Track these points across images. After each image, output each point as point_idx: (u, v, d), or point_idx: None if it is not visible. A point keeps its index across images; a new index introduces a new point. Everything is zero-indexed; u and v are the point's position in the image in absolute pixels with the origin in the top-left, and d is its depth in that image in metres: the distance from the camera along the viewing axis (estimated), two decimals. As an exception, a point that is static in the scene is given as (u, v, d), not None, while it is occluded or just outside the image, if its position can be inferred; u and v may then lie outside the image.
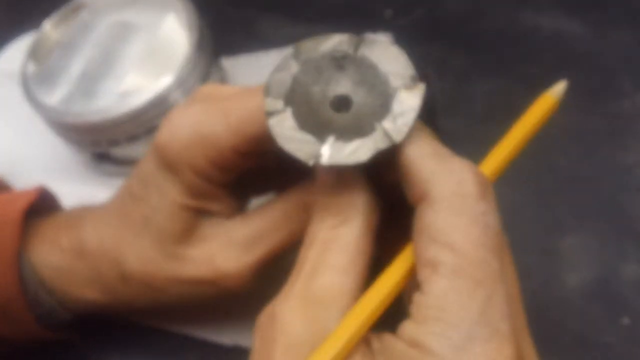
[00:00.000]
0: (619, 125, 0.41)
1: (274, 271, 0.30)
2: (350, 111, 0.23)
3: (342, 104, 0.24)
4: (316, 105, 0.24)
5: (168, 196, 0.29)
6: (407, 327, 0.21)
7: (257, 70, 0.46)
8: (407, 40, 0.46)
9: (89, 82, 0.39)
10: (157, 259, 0.30)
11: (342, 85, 0.24)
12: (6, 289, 0.31)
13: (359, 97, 0.24)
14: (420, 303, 0.21)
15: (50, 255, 0.32)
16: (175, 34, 0.40)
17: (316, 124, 0.23)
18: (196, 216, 0.30)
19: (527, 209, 0.38)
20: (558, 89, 0.27)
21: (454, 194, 0.21)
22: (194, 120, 0.27)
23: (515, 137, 0.26)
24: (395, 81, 0.23)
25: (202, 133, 0.27)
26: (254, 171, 0.29)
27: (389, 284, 0.22)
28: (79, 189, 0.42)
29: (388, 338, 0.21)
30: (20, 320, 0.32)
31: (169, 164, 0.28)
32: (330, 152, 0.22)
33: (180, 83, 0.38)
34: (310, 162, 0.22)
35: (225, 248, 0.29)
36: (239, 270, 0.29)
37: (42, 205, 0.34)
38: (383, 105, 0.23)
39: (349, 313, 0.22)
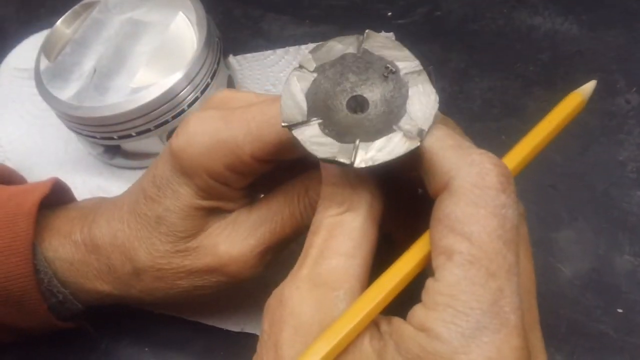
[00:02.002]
0: (613, 122, 0.41)
1: (278, 261, 0.31)
2: (367, 112, 0.24)
3: (358, 105, 0.24)
4: (336, 108, 0.24)
5: (182, 199, 0.29)
6: (418, 312, 0.21)
7: (263, 68, 0.47)
8: (408, 39, 0.47)
9: (101, 78, 0.40)
10: (167, 253, 0.30)
11: (364, 89, 0.24)
12: (21, 281, 0.31)
13: (374, 94, 0.24)
14: (433, 289, 0.21)
15: (64, 248, 0.32)
16: (184, 32, 0.41)
17: (338, 128, 0.23)
18: (208, 214, 0.30)
19: (524, 203, 0.37)
20: (587, 88, 0.27)
21: (474, 186, 0.22)
22: (213, 127, 0.28)
23: (542, 132, 0.26)
24: (405, 71, 0.24)
25: (222, 139, 0.27)
26: (267, 173, 0.30)
27: (403, 271, 0.23)
28: (91, 180, 0.43)
29: (397, 322, 0.22)
30: (34, 310, 0.32)
31: (184, 169, 0.29)
32: (363, 153, 0.22)
33: (189, 79, 0.39)
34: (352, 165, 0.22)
35: (229, 235, 0.30)
36: (242, 254, 0.30)
37: (55, 198, 0.34)
38: (400, 106, 0.23)
39: (360, 296, 0.22)
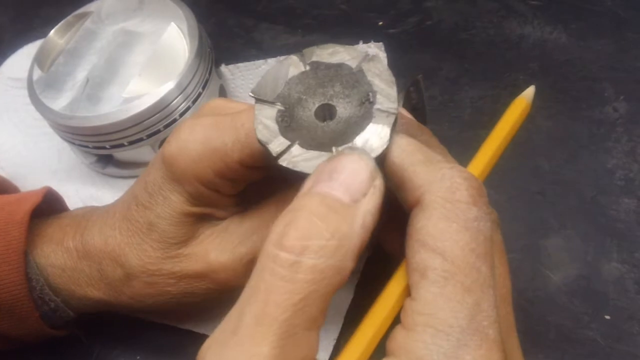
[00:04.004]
0: (601, 130, 0.42)
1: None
2: (326, 123, 0.24)
3: (326, 113, 0.25)
4: (306, 105, 0.24)
5: (173, 205, 0.30)
6: (397, 335, 0.21)
7: (255, 78, 0.47)
8: (399, 49, 0.48)
9: (94, 88, 0.40)
10: (158, 259, 0.31)
11: (340, 103, 0.24)
12: (13, 289, 0.32)
13: (344, 111, 0.24)
14: (410, 309, 0.21)
15: (56, 254, 0.33)
16: (176, 42, 0.41)
17: (292, 123, 0.24)
18: (199, 221, 0.31)
19: (513, 210, 0.39)
20: (529, 93, 0.29)
21: (445, 200, 0.21)
22: (204, 134, 0.28)
23: (498, 138, 0.27)
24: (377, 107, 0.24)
25: (212, 146, 0.28)
26: (258, 180, 0.30)
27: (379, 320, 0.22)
28: (84, 189, 0.43)
29: None
30: (26, 318, 0.32)
31: (175, 176, 0.29)
32: (291, 155, 0.23)
33: (181, 89, 0.39)
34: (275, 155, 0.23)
35: (220, 243, 0.30)
36: (232, 262, 0.30)
37: (48, 207, 0.35)
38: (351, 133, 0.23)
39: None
